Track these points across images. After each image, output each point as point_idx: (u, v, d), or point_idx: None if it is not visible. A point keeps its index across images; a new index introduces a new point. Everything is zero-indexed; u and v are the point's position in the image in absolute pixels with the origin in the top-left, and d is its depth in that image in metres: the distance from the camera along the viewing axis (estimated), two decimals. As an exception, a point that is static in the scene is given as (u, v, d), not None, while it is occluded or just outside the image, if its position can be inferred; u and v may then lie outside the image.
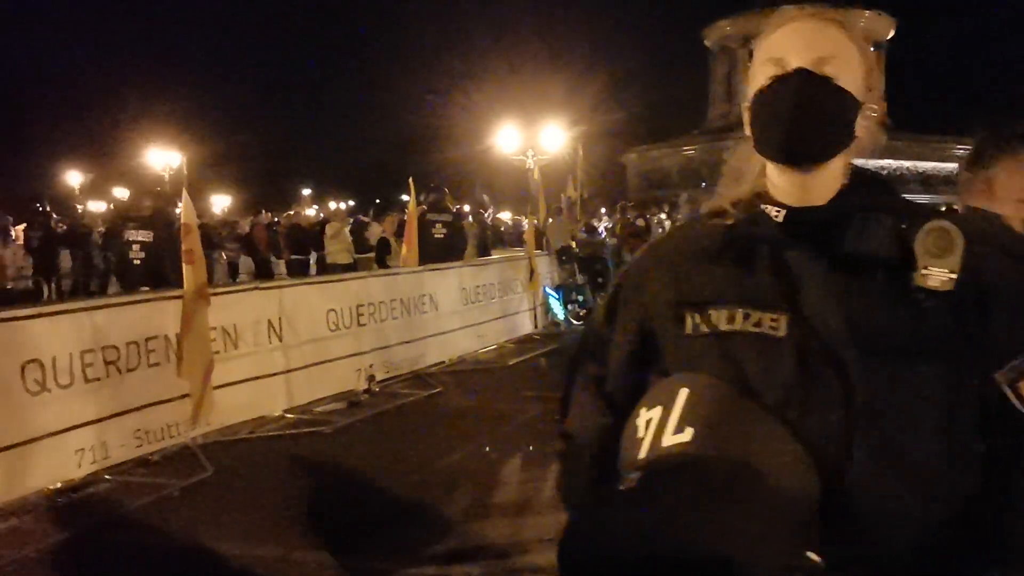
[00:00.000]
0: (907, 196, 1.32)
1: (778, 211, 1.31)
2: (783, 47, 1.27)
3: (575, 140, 21.72)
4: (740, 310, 1.26)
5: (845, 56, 1.27)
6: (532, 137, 23.59)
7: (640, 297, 1.39)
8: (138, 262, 8.49)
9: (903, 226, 1.23)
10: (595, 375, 1.44)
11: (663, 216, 25.34)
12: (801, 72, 1.24)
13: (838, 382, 1.18)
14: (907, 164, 41.37)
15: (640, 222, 18.18)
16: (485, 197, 21.83)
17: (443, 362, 9.82)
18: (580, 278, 13.77)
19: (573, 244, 14.92)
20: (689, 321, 1.29)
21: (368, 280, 9.02)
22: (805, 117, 1.23)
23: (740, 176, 1.40)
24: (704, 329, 1.28)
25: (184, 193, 6.54)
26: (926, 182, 44.06)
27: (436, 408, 7.97)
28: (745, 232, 1.32)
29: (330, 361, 8.11)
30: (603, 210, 38.76)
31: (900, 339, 1.18)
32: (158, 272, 8.09)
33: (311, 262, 16.80)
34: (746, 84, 1.35)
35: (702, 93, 58.26)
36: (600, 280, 14.27)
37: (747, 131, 1.33)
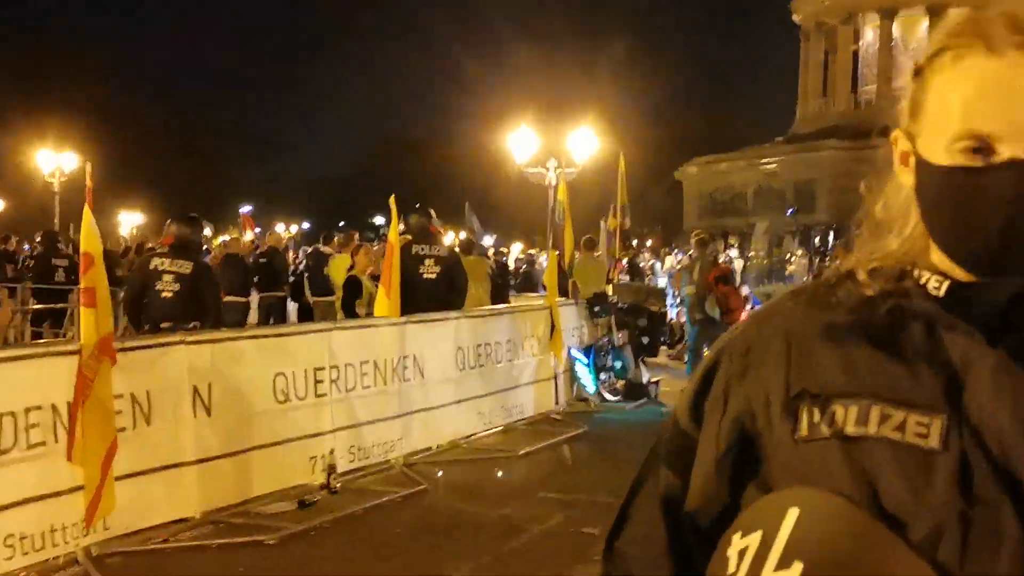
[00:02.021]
0: None
1: (939, 282, 1.31)
2: (985, 117, 1.23)
3: (614, 148, 21.86)
4: (877, 407, 1.24)
5: None
6: (555, 143, 23.78)
7: (743, 384, 1.37)
8: (169, 295, 8.89)
9: None
10: (669, 486, 1.43)
11: (732, 253, 25.45)
12: (1017, 167, 1.21)
13: (1015, 517, 1.16)
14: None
15: (723, 261, 18.05)
16: (475, 220, 21.99)
17: (430, 449, 9.81)
18: (618, 337, 13.78)
19: (610, 290, 14.94)
20: (805, 418, 1.28)
21: (331, 334, 9.03)
22: (1017, 230, 1.21)
23: (885, 228, 1.39)
24: (824, 430, 1.26)
25: (86, 212, 6.59)
26: None
27: (420, 513, 7.91)
28: (890, 306, 1.31)
29: (276, 445, 8.09)
30: (649, 243, 38.96)
31: None
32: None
33: (250, 303, 16.86)
34: (908, 101, 1.33)
35: (788, 86, 58.79)
36: (647, 340, 14.26)
37: (914, 192, 1.32)
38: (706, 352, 1.51)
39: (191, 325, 8.43)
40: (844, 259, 1.43)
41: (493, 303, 13.95)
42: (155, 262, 9.08)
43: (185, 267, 8.96)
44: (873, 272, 1.36)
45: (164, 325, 8.52)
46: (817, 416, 1.27)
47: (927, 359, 1.25)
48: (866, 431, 1.23)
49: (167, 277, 8.93)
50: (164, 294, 8.89)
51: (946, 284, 1.30)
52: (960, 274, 1.29)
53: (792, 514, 1.20)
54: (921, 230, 1.34)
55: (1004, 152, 1.22)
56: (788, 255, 30.10)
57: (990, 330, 1.24)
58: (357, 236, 15.55)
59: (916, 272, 1.33)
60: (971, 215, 1.24)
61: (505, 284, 20.29)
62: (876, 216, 1.41)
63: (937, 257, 1.32)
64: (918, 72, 1.32)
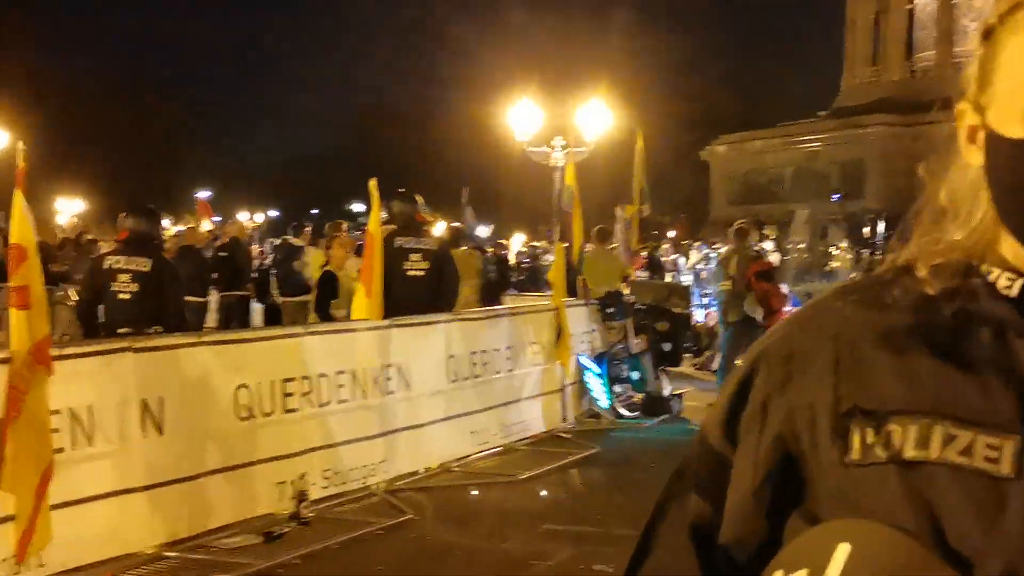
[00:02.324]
0: None
1: (1011, 279, 1.31)
2: None
3: (631, 124, 21.89)
4: (940, 426, 1.23)
5: None
6: (563, 118, 23.79)
7: (784, 397, 1.36)
8: (126, 296, 8.98)
9: None
10: (700, 515, 1.42)
11: (767, 245, 25.48)
12: None
13: None
14: None
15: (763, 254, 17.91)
16: (468, 210, 22.04)
17: (417, 473, 9.81)
18: (636, 343, 13.81)
19: (625, 289, 14.93)
20: (857, 439, 1.27)
21: (302, 340, 9.04)
22: None
23: (949, 216, 1.39)
24: (880, 454, 1.25)
25: (17, 197, 6.58)
26: None
27: (405, 547, 7.89)
28: (955, 308, 1.31)
29: (238, 468, 8.09)
30: (671, 234, 39.01)
31: None
32: None
33: (209, 304, 16.86)
34: (975, 67, 1.33)
35: (832, 52, 58.84)
36: (669, 347, 14.24)
37: (983, 173, 1.33)
38: (740, 360, 1.50)
39: (152, 329, 8.45)
40: (900, 252, 1.42)
41: (484, 304, 13.95)
42: (109, 261, 9.15)
43: (143, 264, 8.98)
44: (935, 268, 1.35)
45: (122, 331, 8.53)
46: (871, 436, 1.26)
47: (997, 371, 1.24)
48: (927, 455, 1.22)
49: (123, 277, 8.95)
50: (121, 296, 8.93)
51: (1019, 282, 1.30)
52: None
53: (843, 550, 1.19)
54: (991, 218, 1.34)
55: None
56: (831, 248, 30.20)
57: None
58: (346, 227, 15.51)
59: (984, 268, 1.32)
60: None
61: (504, 281, 20.32)
62: (938, 203, 1.40)
63: (1010, 250, 1.32)
64: (988, 33, 1.30)
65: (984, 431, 1.21)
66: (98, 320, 9.05)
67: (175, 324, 8.90)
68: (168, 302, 9.02)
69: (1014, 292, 1.29)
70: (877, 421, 1.26)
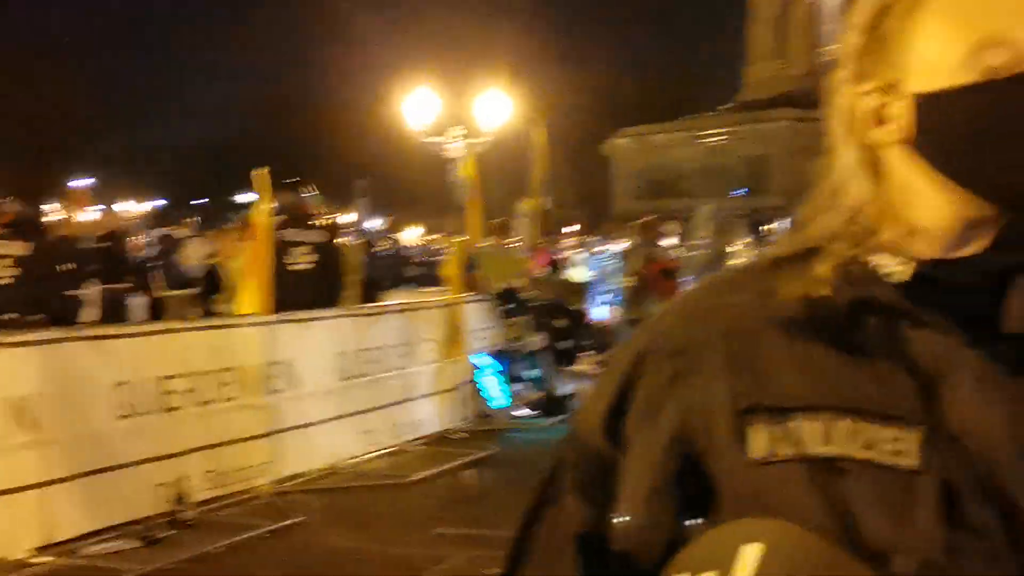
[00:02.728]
0: None
1: (903, 263, 1.32)
2: (1006, 14, 1.24)
3: (531, 116, 21.94)
4: (844, 421, 1.25)
5: None
6: (460, 109, 23.80)
7: (676, 395, 1.35)
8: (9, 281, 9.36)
9: None
10: (584, 520, 1.41)
11: (671, 241, 25.70)
12: None
13: (1004, 539, 1.19)
14: None
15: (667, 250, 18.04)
16: (364, 200, 21.88)
17: (305, 474, 9.79)
18: (535, 340, 13.88)
19: (525, 284, 14.98)
20: (759, 437, 1.27)
21: (184, 336, 8.96)
22: None
23: (837, 206, 1.38)
24: (785, 451, 1.26)
25: None
26: None
27: (292, 551, 7.89)
28: (848, 298, 1.31)
29: (116, 469, 8.01)
30: (576, 227, 39.15)
31: None
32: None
33: (87, 297, 16.54)
34: (894, 46, 1.32)
35: (736, 44, 59.58)
36: (568, 346, 14.32)
37: (919, 153, 1.31)
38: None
39: (38, 317, 8.38)
40: (784, 242, 1.43)
41: (365, 300, 13.94)
42: None
43: (25, 248, 8.91)
44: (824, 257, 1.35)
45: (5, 317, 8.55)
46: (775, 433, 1.26)
47: (895, 361, 1.26)
48: (833, 450, 1.24)
49: (5, 262, 8.84)
50: (3, 281, 8.97)
51: (910, 267, 1.30)
52: (927, 252, 1.30)
53: (754, 550, 1.19)
54: (879, 205, 1.34)
55: None
56: (732, 244, 30.57)
57: (969, 320, 1.24)
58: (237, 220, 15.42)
59: (873, 257, 1.33)
60: (1004, 138, 1.22)
61: (396, 276, 20.33)
62: (825, 194, 1.41)
63: (902, 234, 1.32)
64: (880, 12, 1.31)
65: (888, 424, 1.22)
66: None
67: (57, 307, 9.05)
68: (51, 287, 9.12)
69: (906, 277, 1.30)
70: (779, 418, 1.26)
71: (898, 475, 1.21)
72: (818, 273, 1.33)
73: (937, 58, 1.26)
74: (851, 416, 1.24)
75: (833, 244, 1.35)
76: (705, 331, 1.36)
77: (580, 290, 16.80)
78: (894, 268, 1.31)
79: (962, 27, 1.24)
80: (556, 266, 19.56)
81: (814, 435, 1.24)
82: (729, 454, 1.29)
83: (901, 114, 1.29)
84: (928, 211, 1.30)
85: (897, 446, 1.22)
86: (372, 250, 19.81)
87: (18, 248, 9.07)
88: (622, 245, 19.67)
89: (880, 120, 1.32)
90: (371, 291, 15.31)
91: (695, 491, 1.32)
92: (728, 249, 30.96)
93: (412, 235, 36.30)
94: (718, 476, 1.30)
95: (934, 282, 1.28)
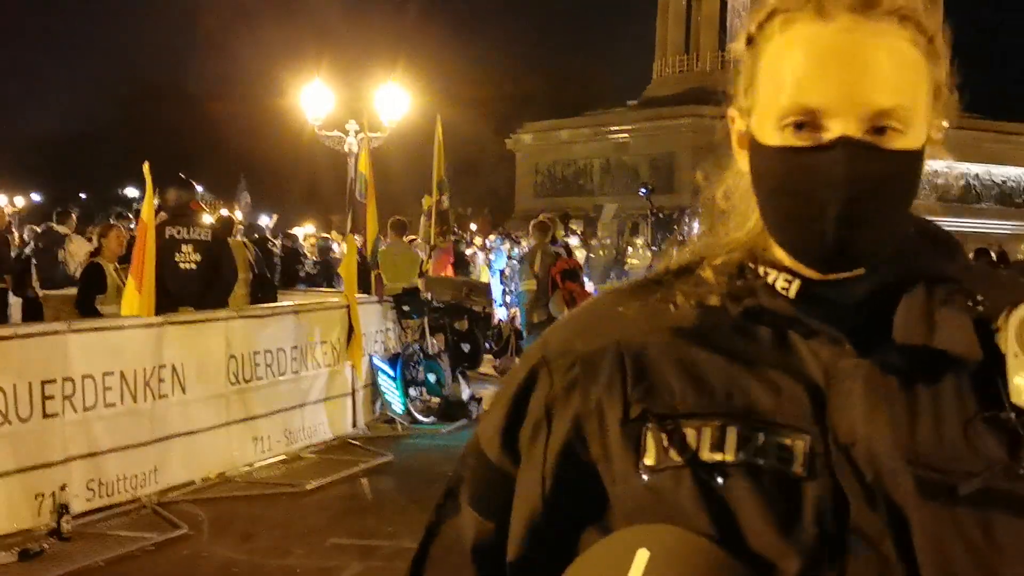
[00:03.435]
0: (978, 221, 1.39)
1: (788, 280, 1.37)
2: (814, 89, 1.29)
3: (431, 110, 21.96)
4: (733, 428, 1.30)
5: (911, 83, 1.31)
6: (357, 101, 23.70)
7: (569, 405, 1.40)
8: None
9: (978, 308, 1.32)
10: (479, 532, 1.46)
11: (574, 240, 25.86)
12: (849, 146, 1.28)
13: (892, 545, 1.24)
14: (976, 169, 43.74)
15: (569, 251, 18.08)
16: (246, 195, 21.79)
17: (193, 483, 9.71)
18: (433, 343, 13.91)
19: (421, 285, 14.98)
20: (651, 444, 1.32)
21: (64, 338, 8.81)
22: (855, 216, 1.28)
23: (728, 218, 1.47)
24: (675, 458, 1.31)
25: None
26: (1004, 197, 46.67)
27: (179, 564, 7.82)
28: (739, 308, 1.38)
29: (-9, 479, 7.87)
30: (473, 227, 39.21)
31: (990, 479, 1.24)
32: None
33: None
34: (742, 74, 1.40)
35: (643, 39, 59.99)
36: (468, 348, 14.35)
37: (753, 189, 1.39)
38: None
39: None
40: (679, 252, 1.48)
41: (255, 300, 13.85)
42: None
43: None
44: (716, 268, 1.41)
45: None
46: (665, 441, 1.30)
47: (784, 369, 1.31)
48: (723, 457, 1.28)
49: None
50: None
51: (796, 283, 1.36)
52: (809, 271, 1.36)
53: (641, 557, 1.22)
54: (762, 225, 1.41)
55: (835, 128, 1.28)
56: (627, 245, 30.76)
57: (851, 329, 1.31)
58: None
59: (762, 269, 1.39)
60: (802, 202, 1.30)
61: (291, 275, 20.20)
62: (715, 205, 1.48)
63: (784, 253, 1.38)
64: (750, 40, 1.37)
65: (776, 431, 1.27)
66: None
67: None
68: None
69: (792, 293, 1.35)
70: (671, 425, 1.30)
71: (786, 482, 1.26)
72: (710, 284, 1.40)
73: (766, 106, 1.35)
74: (740, 423, 1.29)
75: (724, 256, 1.42)
76: (600, 341, 1.40)
77: (482, 290, 16.76)
78: (781, 283, 1.37)
79: (784, 85, 1.31)
80: (456, 266, 19.54)
81: (703, 442, 1.29)
82: (621, 461, 1.33)
83: (747, 148, 1.40)
84: None
85: (785, 453, 1.27)
86: (266, 248, 19.58)
87: None
88: (526, 245, 19.75)
89: (744, 144, 1.41)
90: (264, 291, 15.24)
91: (587, 500, 1.35)
92: (630, 249, 31.21)
93: (300, 233, 35.97)
94: (609, 484, 1.34)
95: (819, 299, 1.34)
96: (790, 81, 1.31)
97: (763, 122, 1.35)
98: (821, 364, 1.30)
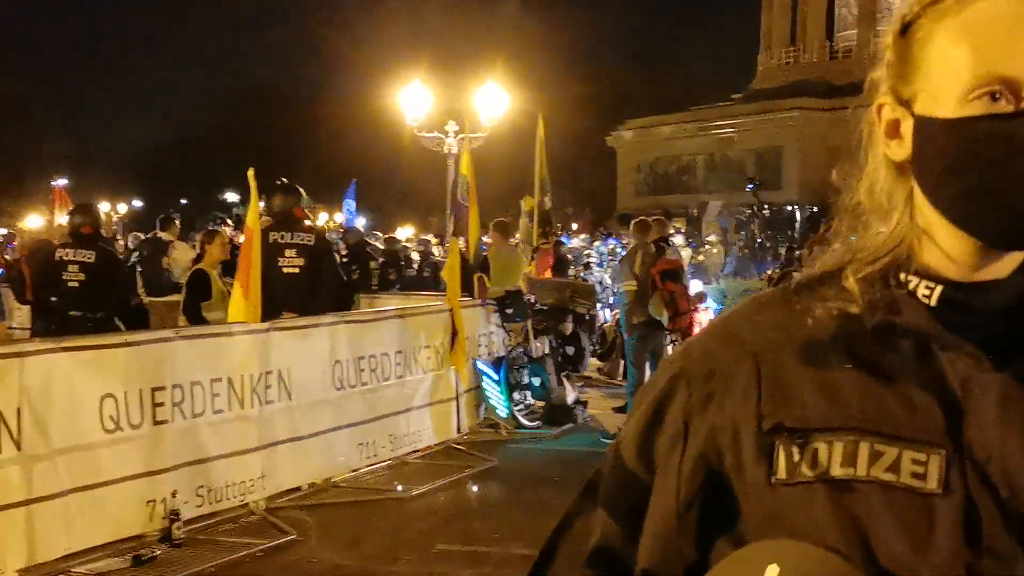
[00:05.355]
0: None
1: (930, 287, 1.37)
2: (1011, 59, 1.28)
3: (531, 109, 21.92)
4: (865, 443, 1.30)
5: None
6: (456, 102, 23.77)
7: (705, 416, 1.42)
8: (75, 284, 11.51)
9: None
10: (606, 534, 1.49)
11: (678, 239, 25.68)
12: None
13: None
14: None
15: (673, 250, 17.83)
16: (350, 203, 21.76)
17: (300, 489, 9.81)
18: (537, 346, 13.89)
19: (526, 287, 14.94)
20: (782, 457, 1.34)
21: (173, 345, 8.97)
22: None
23: (870, 220, 1.45)
24: (806, 472, 1.32)
25: None
26: None
27: (287, 569, 7.90)
28: (878, 319, 1.37)
29: (103, 485, 8.00)
30: (575, 227, 39.10)
31: None
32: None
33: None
34: (892, 59, 1.39)
35: (748, 31, 59.44)
36: (572, 351, 14.31)
37: (914, 174, 1.37)
38: (648, 370, 1.57)
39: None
40: (820, 258, 1.48)
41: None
42: None
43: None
44: (858, 279, 1.40)
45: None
46: (796, 454, 1.32)
47: (921, 383, 1.31)
48: (855, 472, 1.29)
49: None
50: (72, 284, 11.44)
51: (938, 290, 1.35)
52: (955, 273, 1.35)
53: (771, 572, 1.25)
54: (909, 221, 1.40)
55: None
56: (740, 243, 30.44)
57: (995, 343, 1.31)
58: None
59: (904, 277, 1.38)
60: (995, 171, 1.27)
61: (389, 278, 20.31)
62: (856, 205, 1.46)
63: (930, 254, 1.37)
64: (907, 25, 1.37)
65: (910, 446, 1.28)
66: None
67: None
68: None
69: (933, 300, 1.35)
70: (802, 439, 1.32)
71: (919, 498, 1.26)
72: (852, 293, 1.40)
73: (943, 85, 1.32)
74: (873, 438, 1.29)
75: (863, 264, 1.41)
76: (735, 354, 1.42)
77: (585, 292, 16.64)
78: (923, 291, 1.36)
79: (969, 59, 1.28)
80: (556, 268, 19.48)
81: (836, 457, 1.30)
82: (753, 474, 1.34)
83: (908, 133, 1.37)
84: (943, 232, 1.36)
85: (918, 469, 1.27)
86: (363, 252, 19.65)
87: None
88: (627, 244, 19.64)
89: (895, 134, 1.38)
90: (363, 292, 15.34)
91: (720, 512, 1.37)
92: (736, 249, 30.88)
93: (402, 236, 36.14)
94: (742, 496, 1.36)
95: (961, 305, 1.34)
96: (980, 54, 1.28)
97: (939, 101, 1.32)
98: (958, 376, 1.29)
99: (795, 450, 1.31)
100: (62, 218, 21.07)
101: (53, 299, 11.82)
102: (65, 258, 11.74)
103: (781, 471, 1.32)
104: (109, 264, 11.95)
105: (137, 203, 61.36)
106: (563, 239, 25.95)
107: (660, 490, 1.43)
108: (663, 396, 1.46)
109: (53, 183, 31.26)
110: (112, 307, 11.60)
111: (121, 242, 24.81)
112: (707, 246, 30.26)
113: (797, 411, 1.33)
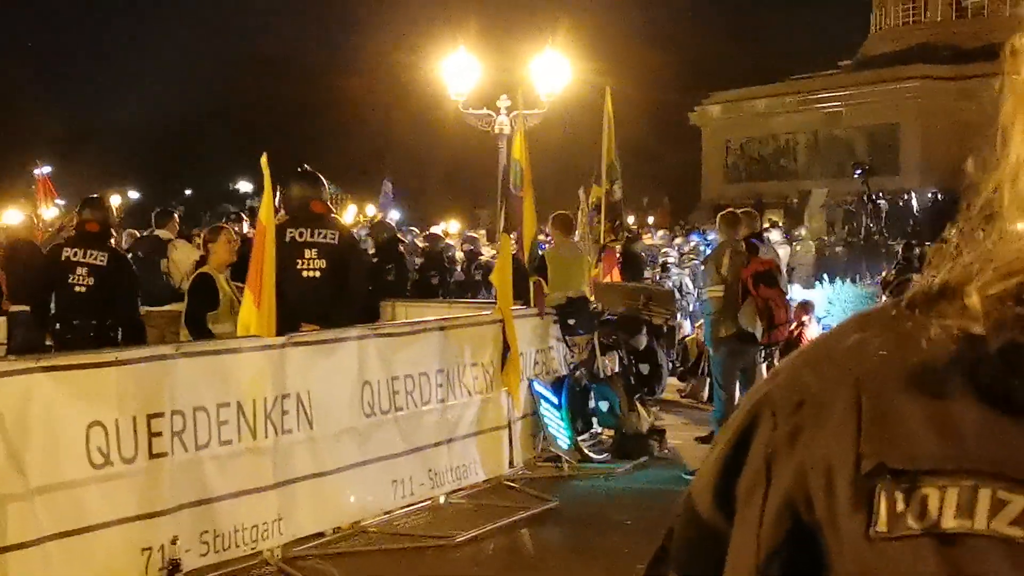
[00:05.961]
0: None
1: None
2: None
3: (598, 81, 21.92)
4: (986, 490, 1.26)
5: None
6: (510, 72, 23.81)
7: (793, 454, 1.39)
8: (82, 289, 12.11)
9: None
10: None
11: (775, 235, 25.59)
12: None
13: None
14: None
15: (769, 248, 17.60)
16: (388, 186, 21.84)
17: (323, 535, 9.83)
18: (605, 363, 13.90)
19: (590, 293, 14.93)
20: (884, 506, 1.29)
21: (173, 363, 8.99)
22: None
23: (1007, 219, 1.39)
24: (913, 524, 1.28)
25: None
26: None
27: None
28: (1004, 341, 1.32)
29: (90, 530, 8.03)
30: (651, 220, 39.08)
31: None
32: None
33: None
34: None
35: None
36: (647, 369, 14.27)
37: None
38: (739, 393, 1.53)
39: None
40: (940, 263, 1.42)
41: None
42: None
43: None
44: (987, 296, 1.35)
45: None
46: (901, 502, 1.28)
47: None
48: (972, 525, 1.24)
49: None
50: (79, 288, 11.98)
51: None
52: None
53: None
54: None
55: None
56: (849, 239, 30.35)
57: None
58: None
59: None
60: None
61: (429, 284, 20.35)
62: (992, 198, 1.40)
63: None
64: None
65: None
66: None
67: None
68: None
69: None
70: (909, 483, 1.28)
71: None
72: (975, 312, 1.34)
73: None
74: (996, 483, 1.25)
75: (997, 279, 1.36)
76: (831, 380, 1.38)
77: (664, 299, 16.51)
78: None
79: None
80: (633, 268, 19.45)
81: (949, 506, 1.25)
82: (848, 524, 1.31)
83: None
84: None
85: None
86: (395, 250, 19.58)
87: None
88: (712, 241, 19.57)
89: None
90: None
91: (809, 567, 1.34)
92: (843, 246, 30.70)
93: (437, 231, 36.22)
94: (834, 552, 1.32)
95: None
96: None
97: None
98: None
99: (900, 497, 1.27)
100: (48, 212, 21.29)
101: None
102: (73, 259, 12.22)
103: (882, 522, 1.27)
104: (122, 269, 12.58)
105: (134, 194, 61.89)
106: (635, 235, 25.95)
107: (737, 544, 1.40)
108: (743, 429, 1.43)
109: (36, 171, 31.48)
110: (122, 316, 12.26)
111: (114, 240, 24.94)
112: (800, 243, 30.03)
113: (903, 450, 1.29)
